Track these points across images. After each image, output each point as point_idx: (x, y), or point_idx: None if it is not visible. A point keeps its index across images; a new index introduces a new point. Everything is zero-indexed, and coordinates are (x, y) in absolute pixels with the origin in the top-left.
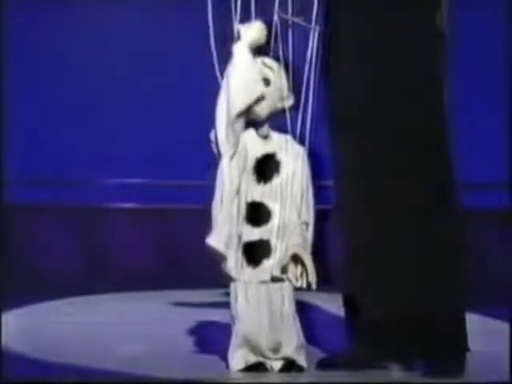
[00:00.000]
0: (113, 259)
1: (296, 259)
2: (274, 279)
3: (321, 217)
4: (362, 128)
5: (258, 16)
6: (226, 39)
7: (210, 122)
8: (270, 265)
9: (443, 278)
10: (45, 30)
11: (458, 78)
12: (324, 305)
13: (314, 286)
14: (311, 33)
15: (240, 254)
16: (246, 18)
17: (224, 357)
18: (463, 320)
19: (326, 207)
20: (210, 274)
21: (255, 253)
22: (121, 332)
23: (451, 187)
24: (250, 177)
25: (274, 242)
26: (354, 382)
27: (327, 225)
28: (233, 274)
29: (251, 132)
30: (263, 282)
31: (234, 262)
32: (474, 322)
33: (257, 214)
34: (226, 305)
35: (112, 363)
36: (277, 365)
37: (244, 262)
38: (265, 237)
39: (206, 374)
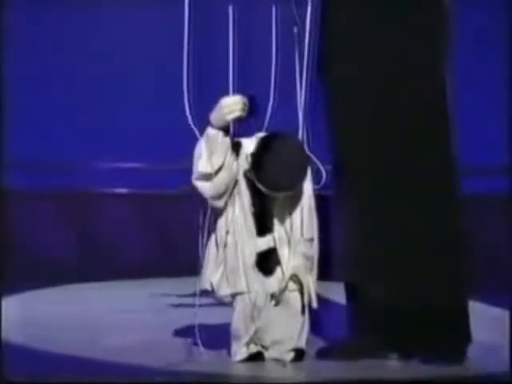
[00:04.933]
0: (108, 246)
1: (297, 279)
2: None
3: (322, 203)
4: (361, 116)
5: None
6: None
7: (206, 107)
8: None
9: (444, 267)
10: (42, 21)
11: (458, 62)
12: (325, 293)
13: (314, 305)
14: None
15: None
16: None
17: (218, 346)
18: (465, 309)
19: (327, 193)
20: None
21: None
22: (114, 321)
23: (452, 174)
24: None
25: (280, 252)
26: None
27: (328, 212)
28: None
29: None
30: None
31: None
32: (474, 309)
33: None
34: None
35: (104, 352)
36: (288, 356)
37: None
38: (272, 245)
39: (207, 364)
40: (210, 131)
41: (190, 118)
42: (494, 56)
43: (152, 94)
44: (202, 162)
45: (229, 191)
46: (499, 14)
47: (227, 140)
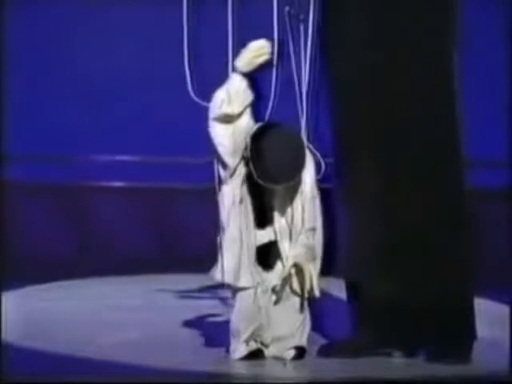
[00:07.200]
0: (105, 241)
1: (298, 269)
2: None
3: (323, 197)
4: (364, 109)
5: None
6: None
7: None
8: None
9: (448, 264)
10: (41, 18)
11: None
12: (327, 289)
13: (316, 294)
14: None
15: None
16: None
17: (214, 344)
18: (470, 306)
19: (327, 186)
20: (203, 255)
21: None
22: (112, 318)
23: (457, 167)
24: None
25: (281, 245)
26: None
27: (330, 206)
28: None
29: None
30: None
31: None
32: (476, 305)
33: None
34: (219, 289)
35: (102, 351)
36: (289, 354)
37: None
38: (273, 237)
39: (205, 362)
40: (235, 76)
41: (191, 91)
42: (495, 50)
43: (150, 88)
44: (225, 104)
45: (242, 149)
46: (501, 9)
47: (249, 89)
